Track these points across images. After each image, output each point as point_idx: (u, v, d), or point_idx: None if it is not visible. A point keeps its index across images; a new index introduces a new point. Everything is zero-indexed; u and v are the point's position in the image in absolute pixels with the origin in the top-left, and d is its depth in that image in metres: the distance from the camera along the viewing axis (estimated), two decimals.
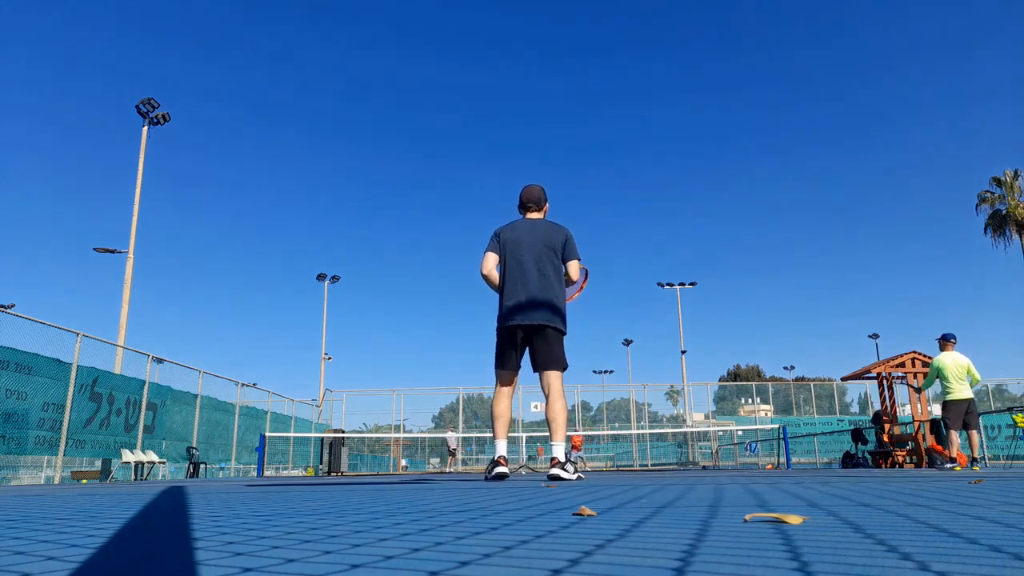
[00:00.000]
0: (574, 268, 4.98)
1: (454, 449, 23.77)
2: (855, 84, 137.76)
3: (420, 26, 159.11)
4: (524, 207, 5.18)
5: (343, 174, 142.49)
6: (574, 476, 4.83)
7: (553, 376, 4.83)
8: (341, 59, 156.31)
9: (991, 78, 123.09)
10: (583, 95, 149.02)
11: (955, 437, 9.46)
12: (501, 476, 4.81)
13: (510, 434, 27.19)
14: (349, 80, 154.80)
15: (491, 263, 5.07)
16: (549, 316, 4.79)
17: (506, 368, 4.94)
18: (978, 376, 9.57)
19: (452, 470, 22.80)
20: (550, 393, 4.86)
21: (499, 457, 4.87)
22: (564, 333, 4.88)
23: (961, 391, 9.46)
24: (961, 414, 9.43)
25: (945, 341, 9.68)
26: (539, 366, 4.88)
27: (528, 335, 4.86)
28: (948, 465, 9.28)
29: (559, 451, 4.76)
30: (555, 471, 4.61)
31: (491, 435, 5.11)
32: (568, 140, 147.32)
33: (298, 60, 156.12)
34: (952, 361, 9.56)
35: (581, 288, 5.51)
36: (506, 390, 4.99)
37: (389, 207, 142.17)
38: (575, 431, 25.29)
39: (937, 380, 9.80)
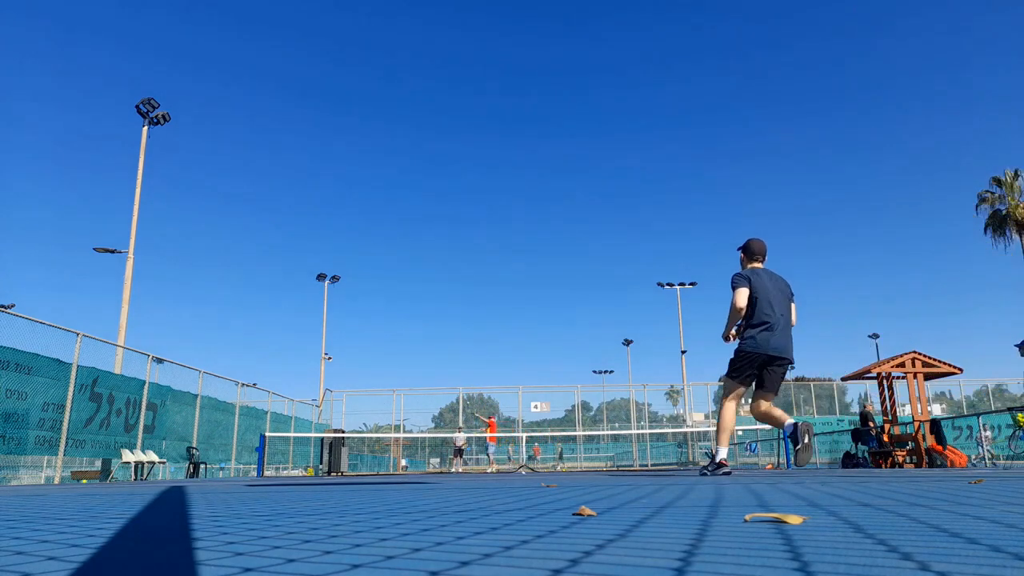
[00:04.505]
0: (795, 313, 6.07)
1: (461, 448, 23.54)
2: (855, 84, 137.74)
3: (418, 21, 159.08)
4: (760, 257, 6.15)
5: (343, 174, 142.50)
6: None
7: (773, 396, 5.88)
8: (342, 58, 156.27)
9: (992, 78, 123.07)
10: (582, 91, 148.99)
11: None
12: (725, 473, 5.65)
13: (511, 434, 26.83)
14: (350, 79, 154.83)
15: (744, 298, 5.88)
16: (792, 353, 5.84)
17: (745, 384, 5.88)
18: None
19: (457, 470, 22.58)
20: (771, 408, 5.89)
21: (722, 460, 5.72)
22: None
23: None
24: None
25: None
26: (767, 389, 5.83)
27: (769, 364, 5.80)
28: None
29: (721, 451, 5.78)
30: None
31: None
32: (567, 140, 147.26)
33: (298, 59, 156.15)
34: None
35: None
36: (736, 401, 5.95)
37: (389, 207, 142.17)
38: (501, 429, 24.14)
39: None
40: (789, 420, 5.70)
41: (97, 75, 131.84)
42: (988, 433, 19.53)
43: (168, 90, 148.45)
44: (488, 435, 21.57)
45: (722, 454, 5.74)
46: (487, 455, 21.93)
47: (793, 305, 6.07)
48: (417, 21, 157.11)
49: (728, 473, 5.73)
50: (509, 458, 30.15)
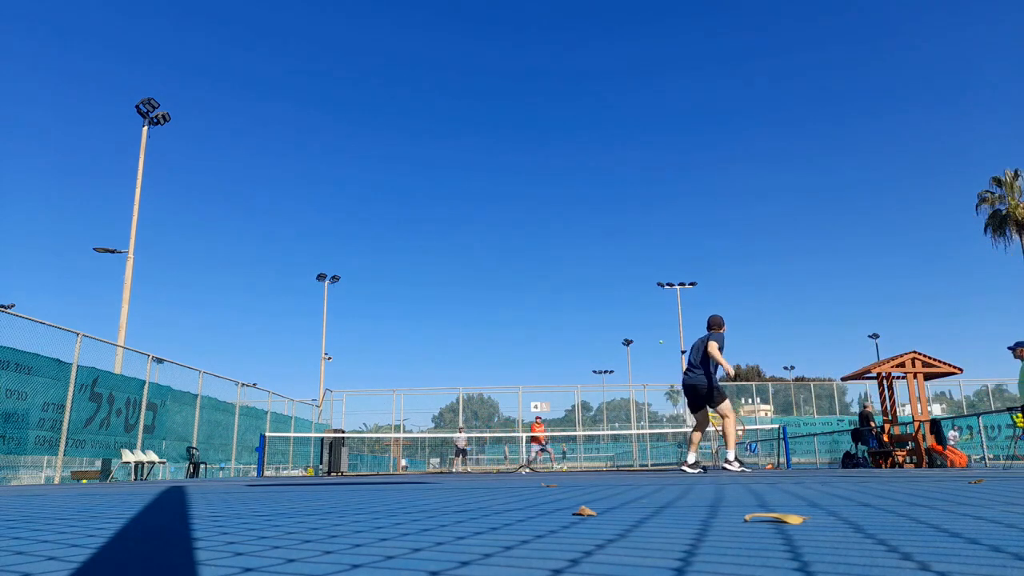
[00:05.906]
0: (711, 347, 7.93)
1: (463, 448, 23.36)
2: (854, 85, 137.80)
3: (418, 27, 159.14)
4: (710, 327, 8.27)
5: (343, 174, 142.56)
6: (737, 469, 7.47)
7: (717, 408, 7.87)
8: (342, 58, 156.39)
9: (992, 78, 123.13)
10: (584, 90, 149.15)
11: None
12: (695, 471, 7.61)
13: (512, 434, 26.80)
14: (350, 81, 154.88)
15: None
16: (693, 382, 8.03)
17: (690, 408, 8.15)
18: None
19: (458, 471, 22.42)
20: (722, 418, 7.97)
21: (686, 461, 7.72)
22: (707, 387, 7.93)
23: None
24: None
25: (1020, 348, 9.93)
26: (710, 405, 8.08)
27: (688, 392, 8.13)
28: None
29: (730, 454, 7.66)
30: (724, 465, 7.65)
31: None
32: (568, 141, 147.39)
33: (298, 63, 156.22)
34: None
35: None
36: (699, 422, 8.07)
37: (389, 207, 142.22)
38: (550, 430, 22.06)
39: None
40: (731, 449, 7.83)
41: (97, 77, 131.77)
42: (955, 433, 19.62)
43: (168, 91, 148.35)
44: (532, 435, 20.17)
45: (690, 458, 7.72)
46: (547, 453, 20.16)
47: (707, 345, 7.99)
48: (417, 27, 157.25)
49: (704, 470, 7.46)
50: (506, 457, 30.15)
